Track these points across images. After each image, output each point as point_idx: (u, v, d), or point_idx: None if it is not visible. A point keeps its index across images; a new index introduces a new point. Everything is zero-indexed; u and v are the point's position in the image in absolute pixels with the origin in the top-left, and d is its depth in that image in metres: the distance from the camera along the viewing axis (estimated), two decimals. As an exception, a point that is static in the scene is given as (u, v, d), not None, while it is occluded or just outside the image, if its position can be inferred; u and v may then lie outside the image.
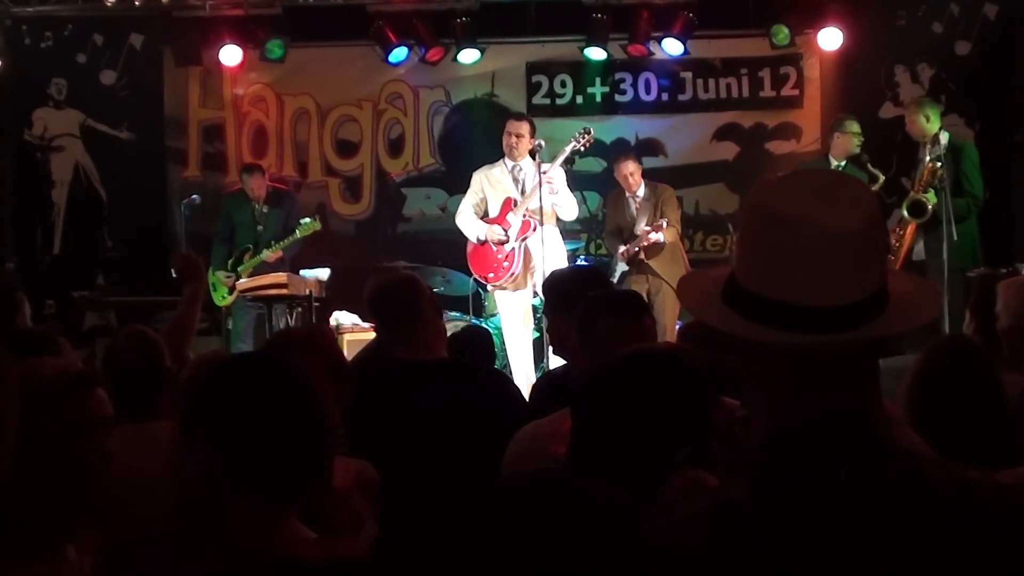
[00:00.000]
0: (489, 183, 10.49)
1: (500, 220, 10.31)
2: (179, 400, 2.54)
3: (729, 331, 1.89)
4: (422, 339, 4.67)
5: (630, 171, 11.37)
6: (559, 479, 1.41)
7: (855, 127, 11.20)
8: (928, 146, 10.42)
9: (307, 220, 11.58)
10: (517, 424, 4.25)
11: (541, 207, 9.92)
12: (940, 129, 10.50)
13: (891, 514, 1.78)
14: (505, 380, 5.14)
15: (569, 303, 4.76)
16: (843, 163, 11.03)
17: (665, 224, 10.91)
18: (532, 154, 10.28)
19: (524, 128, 10.35)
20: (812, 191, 1.90)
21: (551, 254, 10.00)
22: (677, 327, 10.58)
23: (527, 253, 10.17)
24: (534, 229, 10.01)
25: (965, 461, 2.88)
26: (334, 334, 9.68)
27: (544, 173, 9.96)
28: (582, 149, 10.56)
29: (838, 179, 2.03)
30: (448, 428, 4.28)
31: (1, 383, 2.14)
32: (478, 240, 10.42)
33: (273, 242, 11.44)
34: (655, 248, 11.06)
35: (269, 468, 2.40)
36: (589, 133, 10.51)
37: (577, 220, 12.50)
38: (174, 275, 5.80)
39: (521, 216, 10.12)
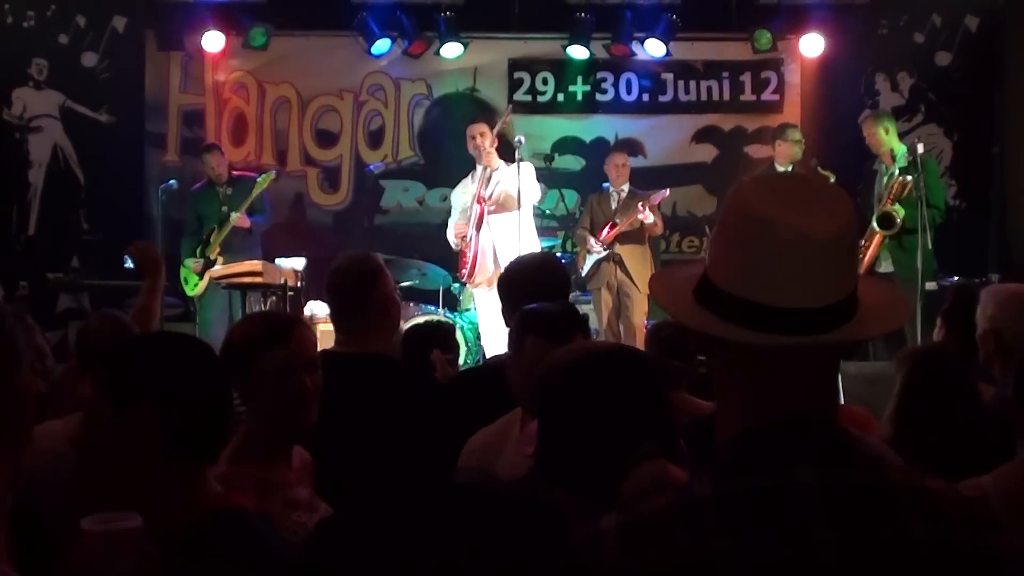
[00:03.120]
0: (461, 197, 10.48)
1: (467, 228, 10.31)
2: (106, 373, 2.65)
3: (706, 331, 1.89)
4: (359, 331, 4.62)
5: (623, 162, 11.58)
6: (481, 484, 1.43)
7: (796, 135, 11.48)
8: (903, 157, 10.45)
9: (261, 176, 11.63)
10: (438, 421, 4.25)
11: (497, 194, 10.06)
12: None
13: (852, 520, 1.79)
14: (430, 376, 5.08)
15: (518, 293, 4.75)
16: (790, 167, 11.19)
17: (666, 192, 11.21)
18: (512, 151, 10.32)
19: (476, 129, 10.29)
20: (790, 194, 1.91)
21: (514, 243, 9.84)
22: (646, 326, 10.64)
23: (489, 246, 10.13)
24: (487, 213, 10.02)
25: (948, 468, 2.92)
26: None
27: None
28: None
29: (815, 183, 2.03)
30: (347, 424, 4.19)
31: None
32: (455, 246, 10.45)
33: (235, 212, 11.43)
34: (626, 237, 11.21)
35: (201, 433, 2.66)
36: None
37: (554, 217, 12.58)
38: (131, 265, 5.76)
39: (474, 227, 10.10)
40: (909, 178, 10.15)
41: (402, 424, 4.31)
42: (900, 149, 10.49)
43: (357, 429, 4.12)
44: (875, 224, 10.13)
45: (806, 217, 1.85)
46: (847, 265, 1.92)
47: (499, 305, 9.63)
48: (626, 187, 11.49)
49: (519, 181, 9.89)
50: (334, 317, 4.80)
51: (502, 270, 9.65)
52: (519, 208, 9.91)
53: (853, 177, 10.97)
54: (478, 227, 10.10)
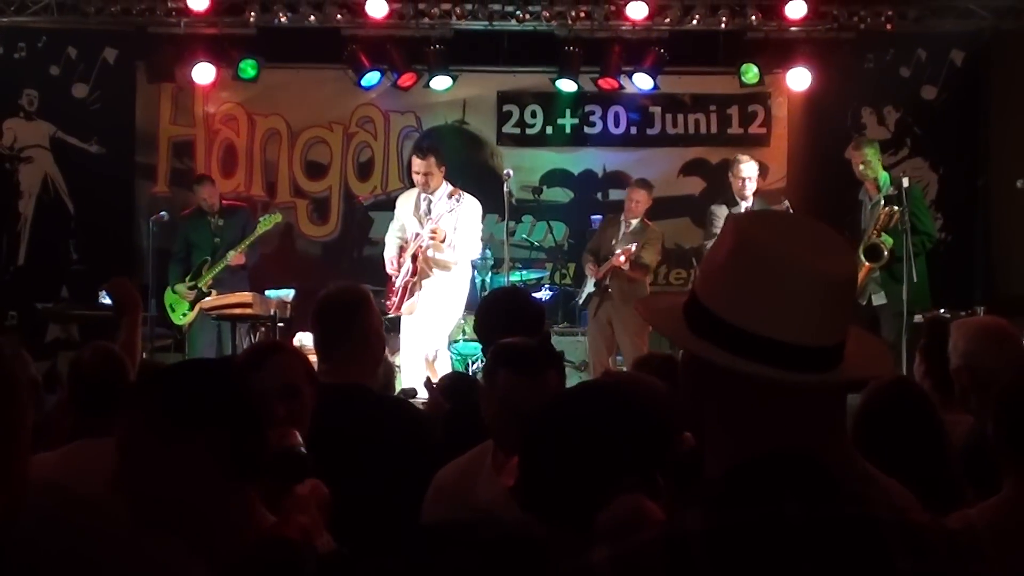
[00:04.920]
0: (402, 208, 10.37)
1: (401, 253, 10.19)
2: (155, 405, 2.58)
3: (717, 364, 1.89)
4: (342, 362, 4.64)
5: (637, 200, 11.43)
6: (472, 518, 1.49)
7: (740, 171, 11.18)
8: (887, 186, 10.47)
9: (267, 216, 11.65)
10: (418, 454, 4.26)
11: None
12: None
13: (838, 554, 1.81)
14: (410, 409, 5.10)
15: (494, 328, 4.85)
16: (750, 202, 11.11)
17: (634, 248, 11.00)
18: (501, 183, 10.36)
19: (423, 166, 10.03)
20: (799, 233, 1.95)
21: (444, 300, 10.02)
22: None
23: (413, 290, 10.08)
24: (415, 275, 9.99)
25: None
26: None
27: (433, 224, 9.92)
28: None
29: (815, 224, 2.06)
30: (339, 454, 4.17)
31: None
32: (389, 267, 10.34)
33: (234, 249, 11.45)
34: (618, 274, 11.12)
35: (250, 455, 2.60)
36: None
37: (542, 249, 12.58)
38: (108, 300, 5.75)
39: (410, 260, 10.04)
40: (896, 207, 10.17)
41: (380, 454, 4.32)
42: (884, 177, 10.52)
43: (333, 459, 4.12)
44: (862, 256, 10.12)
45: (820, 256, 1.89)
46: (851, 306, 1.97)
47: (417, 335, 9.73)
48: (635, 221, 11.41)
49: (459, 226, 9.96)
50: (318, 346, 4.82)
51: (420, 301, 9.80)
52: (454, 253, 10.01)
53: (842, 209, 11.00)
54: (407, 278, 10.07)
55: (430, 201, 10.05)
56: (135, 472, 2.55)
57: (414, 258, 9.97)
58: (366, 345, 4.74)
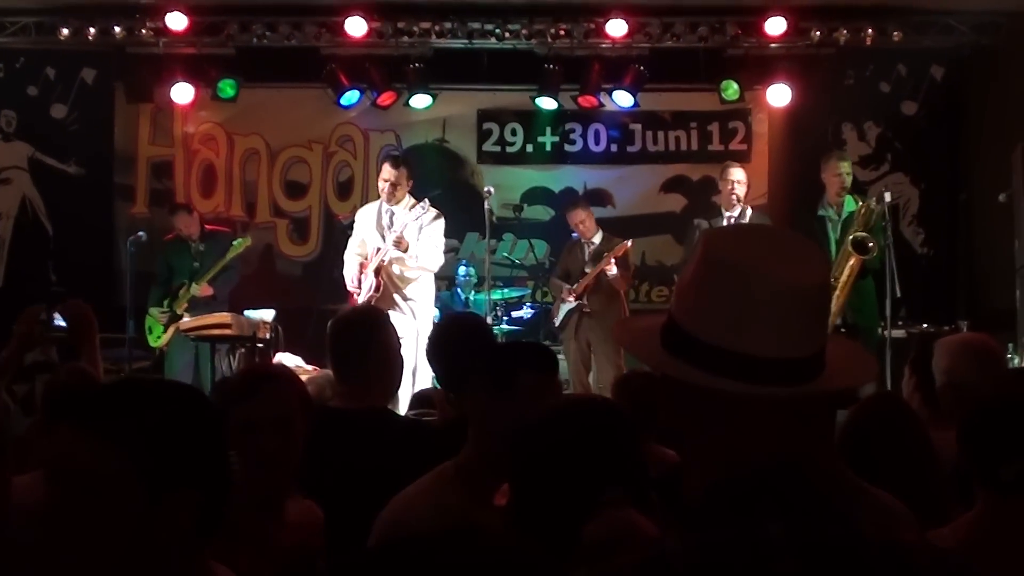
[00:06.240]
0: (362, 223, 10.28)
1: (362, 269, 10.06)
2: (143, 456, 2.13)
3: (690, 382, 1.88)
4: (361, 385, 4.59)
5: (580, 219, 11.44)
6: (475, 537, 1.44)
7: (730, 175, 10.89)
8: (853, 201, 10.46)
9: (237, 240, 11.52)
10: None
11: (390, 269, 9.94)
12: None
13: (821, 573, 1.78)
14: (427, 434, 5.05)
15: (451, 356, 4.81)
16: (737, 211, 11.02)
17: (628, 243, 11.09)
18: (483, 201, 10.32)
19: (393, 175, 9.96)
20: (767, 245, 1.92)
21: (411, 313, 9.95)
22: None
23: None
24: (378, 290, 9.90)
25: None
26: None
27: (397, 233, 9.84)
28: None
29: (788, 235, 2.03)
30: (345, 483, 4.02)
31: None
32: (350, 283, 10.23)
33: (196, 282, 11.32)
34: (596, 291, 11.16)
35: (221, 511, 2.25)
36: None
37: (523, 267, 12.56)
38: (63, 323, 5.63)
39: (372, 275, 9.96)
40: (874, 200, 10.20)
41: (400, 483, 4.28)
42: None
43: (355, 489, 4.06)
44: (851, 248, 10.05)
45: (788, 267, 1.86)
46: (825, 315, 1.94)
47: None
48: (598, 237, 11.44)
49: (422, 236, 9.93)
50: (336, 369, 4.79)
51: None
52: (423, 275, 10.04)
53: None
54: (376, 276, 9.97)
55: (392, 213, 9.99)
56: (82, 520, 2.12)
57: (377, 272, 9.90)
58: (386, 366, 4.71)
